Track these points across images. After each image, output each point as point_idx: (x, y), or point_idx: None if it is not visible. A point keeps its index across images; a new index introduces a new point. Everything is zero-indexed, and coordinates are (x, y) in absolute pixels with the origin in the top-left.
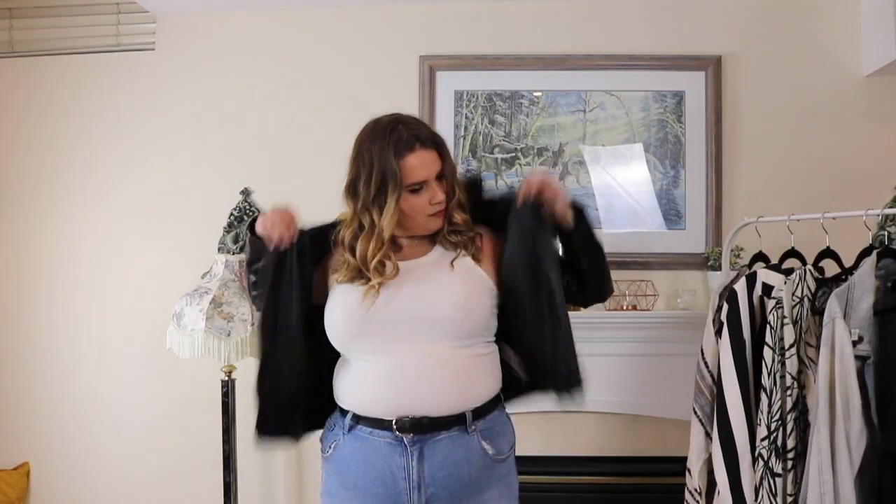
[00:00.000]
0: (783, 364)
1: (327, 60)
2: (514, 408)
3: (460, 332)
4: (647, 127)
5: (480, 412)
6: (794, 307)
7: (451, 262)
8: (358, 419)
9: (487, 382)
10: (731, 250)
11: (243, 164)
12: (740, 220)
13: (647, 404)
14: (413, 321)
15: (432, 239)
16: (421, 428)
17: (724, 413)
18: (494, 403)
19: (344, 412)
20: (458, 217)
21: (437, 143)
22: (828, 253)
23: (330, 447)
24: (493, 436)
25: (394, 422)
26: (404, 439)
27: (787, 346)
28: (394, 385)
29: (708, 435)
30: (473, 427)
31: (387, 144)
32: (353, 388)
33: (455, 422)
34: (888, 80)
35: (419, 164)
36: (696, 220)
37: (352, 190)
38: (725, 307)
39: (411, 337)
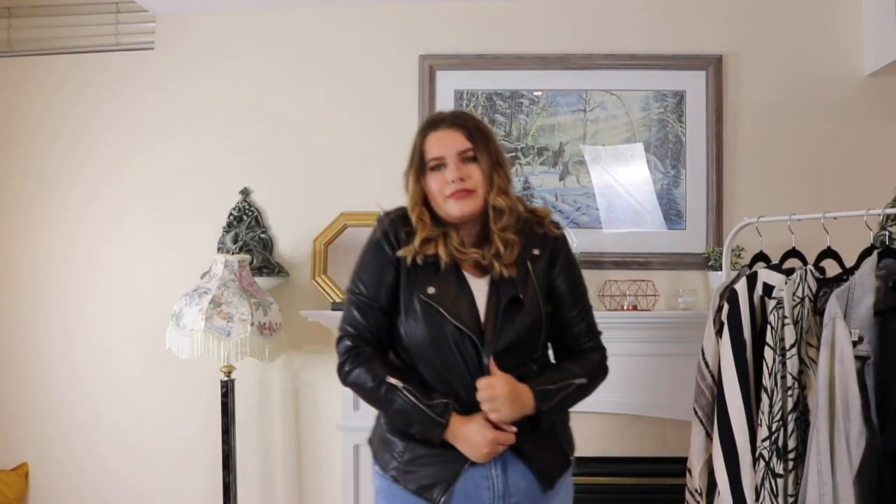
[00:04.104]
0: (784, 364)
1: (327, 59)
2: None
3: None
4: (648, 126)
5: None
6: (794, 307)
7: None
8: None
9: None
10: (732, 250)
11: (242, 164)
12: (741, 219)
13: (647, 404)
14: None
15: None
16: None
17: (724, 413)
18: None
19: None
20: (503, 202)
21: (465, 126)
22: (829, 253)
23: None
24: None
25: None
26: None
27: (787, 347)
28: None
29: (708, 435)
30: None
31: (422, 127)
32: None
33: None
34: (889, 80)
35: (436, 140)
36: (697, 220)
37: None
38: (726, 307)
39: None
